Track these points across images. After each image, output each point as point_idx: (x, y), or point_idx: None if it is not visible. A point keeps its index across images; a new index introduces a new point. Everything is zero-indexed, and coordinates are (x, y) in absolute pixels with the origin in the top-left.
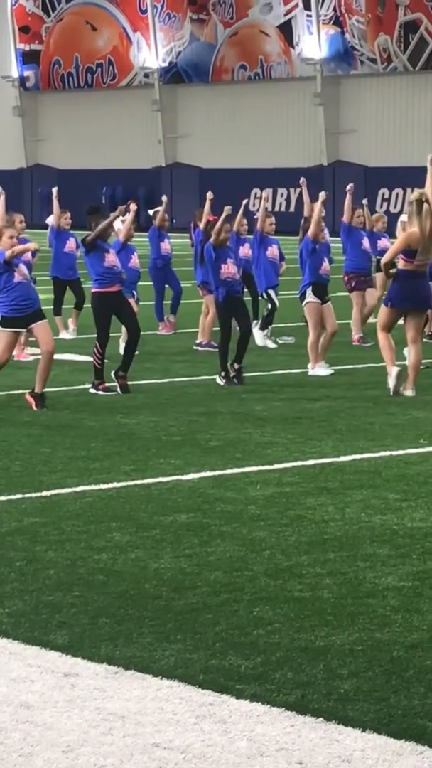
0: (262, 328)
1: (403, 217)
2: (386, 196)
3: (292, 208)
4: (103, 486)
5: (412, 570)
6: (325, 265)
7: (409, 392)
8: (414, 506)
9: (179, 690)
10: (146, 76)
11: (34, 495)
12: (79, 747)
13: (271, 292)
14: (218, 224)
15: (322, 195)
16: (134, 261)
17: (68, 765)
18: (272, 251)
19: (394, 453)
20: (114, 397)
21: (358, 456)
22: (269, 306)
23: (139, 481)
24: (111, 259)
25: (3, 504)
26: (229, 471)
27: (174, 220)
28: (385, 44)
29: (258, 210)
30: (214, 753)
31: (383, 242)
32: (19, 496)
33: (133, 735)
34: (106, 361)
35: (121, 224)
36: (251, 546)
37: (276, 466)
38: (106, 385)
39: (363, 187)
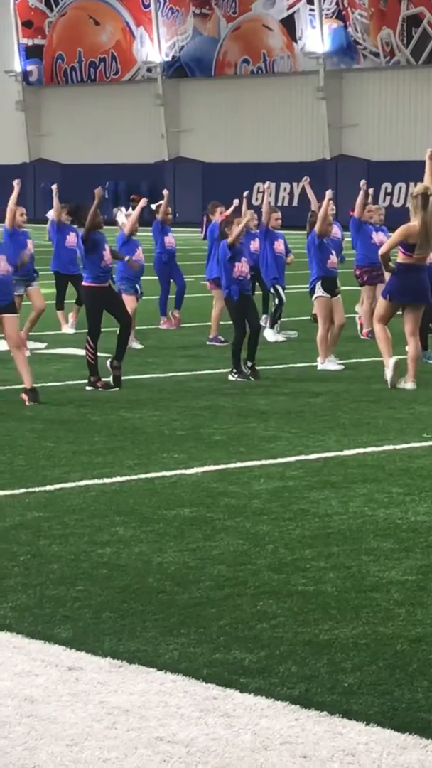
0: (272, 325)
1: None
2: (389, 190)
3: (295, 203)
4: (106, 480)
5: (416, 564)
6: (333, 258)
7: (409, 385)
8: (417, 500)
9: (183, 684)
10: (149, 70)
11: (37, 489)
12: (83, 741)
13: (279, 287)
14: (236, 227)
15: (328, 193)
16: (138, 255)
17: (72, 759)
18: (278, 246)
19: (398, 447)
20: (117, 391)
21: (361, 450)
22: (276, 301)
23: (142, 476)
24: (108, 258)
25: (6, 498)
26: (232, 465)
27: (177, 215)
28: (387, 38)
29: (262, 205)
30: (218, 747)
31: (380, 236)
32: (22, 490)
33: (137, 729)
34: (100, 355)
35: (125, 218)
36: (255, 540)
37: (279, 460)
38: (104, 381)
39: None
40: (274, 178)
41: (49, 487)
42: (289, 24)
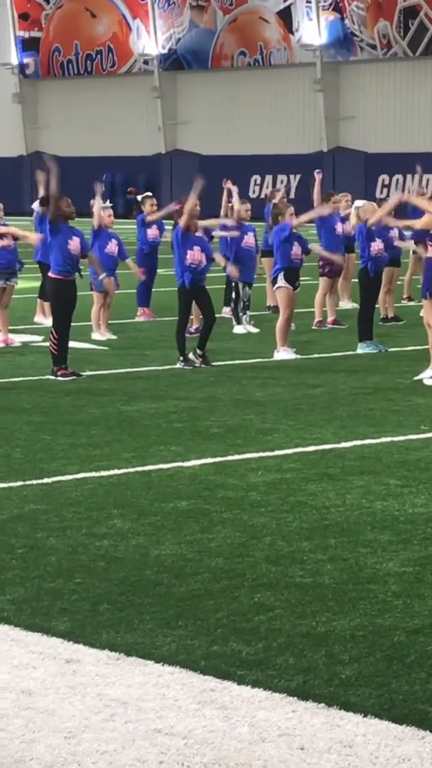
0: (238, 322)
1: (358, 203)
2: (386, 182)
3: (292, 195)
4: (103, 473)
5: (413, 555)
6: (296, 249)
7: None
8: (415, 492)
9: (181, 676)
10: (146, 62)
11: (35, 482)
12: (80, 733)
13: (240, 283)
14: (188, 206)
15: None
16: (111, 248)
17: (70, 751)
18: (248, 239)
19: (395, 439)
20: (114, 384)
21: (358, 442)
22: (234, 296)
23: (139, 468)
24: (74, 246)
25: (4, 491)
26: (229, 457)
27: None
28: (384, 30)
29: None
30: (216, 739)
31: (345, 227)
32: (20, 483)
33: (135, 721)
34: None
35: (99, 209)
36: (252, 532)
37: (277, 453)
38: (66, 371)
39: (363, 174)
40: (271, 171)
41: (46, 480)
42: (285, 16)
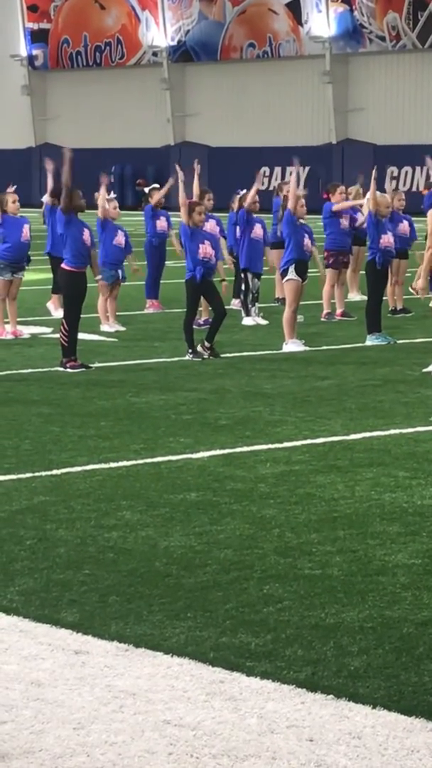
0: (247, 314)
1: (369, 195)
2: (395, 174)
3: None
4: (113, 464)
5: (422, 547)
6: (307, 241)
7: None
8: (424, 484)
9: (190, 667)
10: (155, 54)
11: (44, 473)
12: (89, 724)
13: (250, 275)
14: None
15: (294, 169)
16: (119, 240)
17: (79, 742)
18: (256, 230)
19: (404, 431)
20: (123, 376)
21: (367, 434)
22: (243, 287)
23: (148, 460)
24: (86, 237)
25: (13, 482)
26: (238, 449)
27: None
28: (393, 22)
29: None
30: (225, 730)
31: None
32: (29, 474)
33: (144, 712)
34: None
35: (106, 203)
36: (261, 524)
37: (285, 445)
38: (75, 363)
39: (372, 166)
40: (280, 163)
41: (55, 471)
42: (294, 8)
